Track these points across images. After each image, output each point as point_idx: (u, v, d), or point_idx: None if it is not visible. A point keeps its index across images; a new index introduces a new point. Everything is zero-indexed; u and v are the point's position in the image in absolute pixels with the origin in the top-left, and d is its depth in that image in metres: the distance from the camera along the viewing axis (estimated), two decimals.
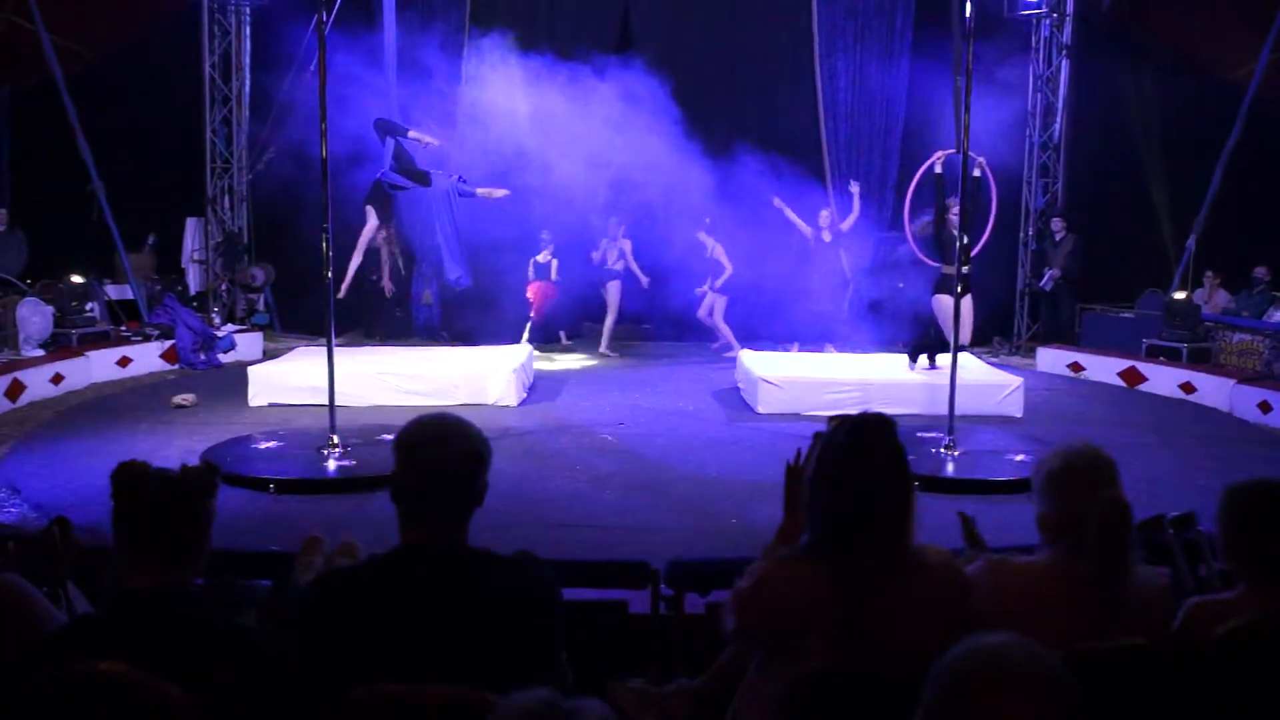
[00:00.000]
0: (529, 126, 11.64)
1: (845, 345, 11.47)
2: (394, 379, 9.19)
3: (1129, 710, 2.12)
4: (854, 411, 2.30)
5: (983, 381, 9.20)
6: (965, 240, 8.64)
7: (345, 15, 10.77)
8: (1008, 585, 2.30)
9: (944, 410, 7.37)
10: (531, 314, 12.25)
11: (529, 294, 12.28)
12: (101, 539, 2.61)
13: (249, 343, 12.07)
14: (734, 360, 10.76)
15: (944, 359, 9.39)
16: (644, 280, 12.41)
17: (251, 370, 9.37)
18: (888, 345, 11.14)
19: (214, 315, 12.70)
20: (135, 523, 2.09)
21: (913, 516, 2.20)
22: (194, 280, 13.27)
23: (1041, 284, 12.82)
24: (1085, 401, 10.17)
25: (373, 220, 10.31)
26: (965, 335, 7.56)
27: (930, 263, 9.38)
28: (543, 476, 7.02)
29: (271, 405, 9.02)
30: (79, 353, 10.31)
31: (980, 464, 7.21)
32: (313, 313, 11.27)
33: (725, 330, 12.35)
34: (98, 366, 10.37)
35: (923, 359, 9.68)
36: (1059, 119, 13.21)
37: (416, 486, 2.19)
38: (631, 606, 3.30)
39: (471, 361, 9.82)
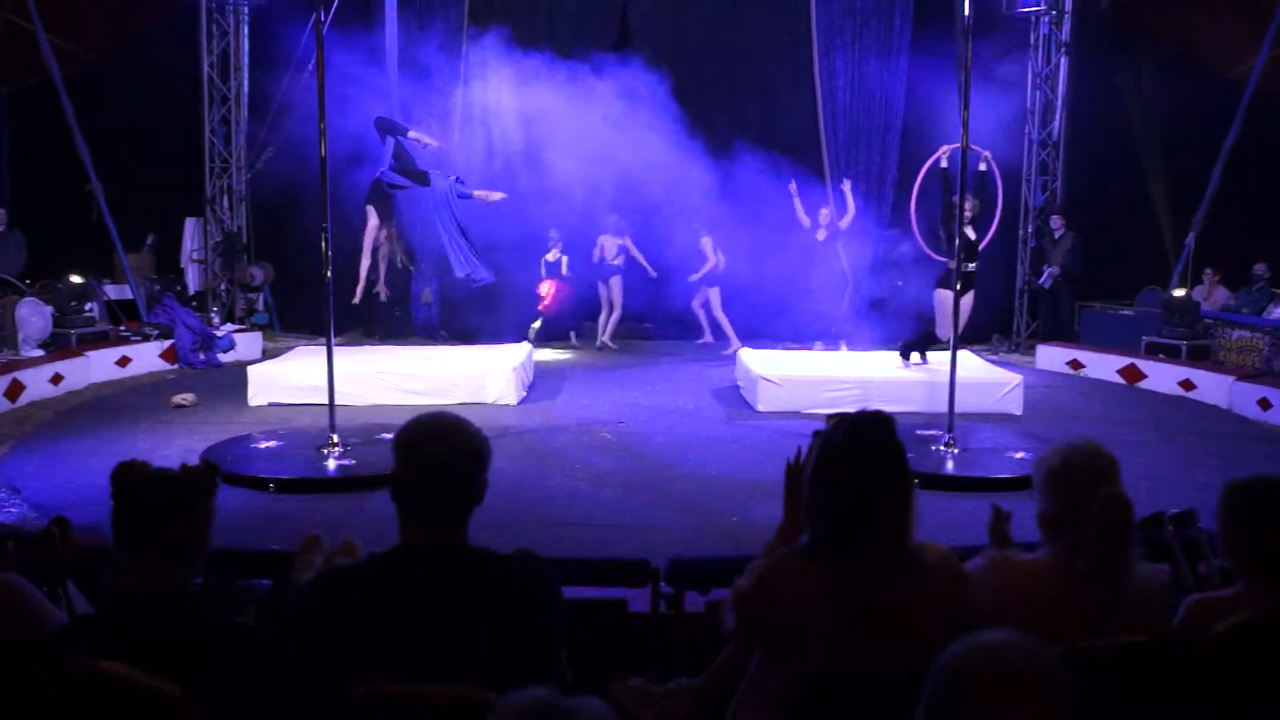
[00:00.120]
0: (528, 125, 11.67)
1: (847, 344, 11.52)
2: (393, 378, 9.19)
3: (1129, 708, 2.12)
4: (853, 409, 2.30)
5: (982, 379, 9.20)
6: (974, 236, 8.66)
7: (344, 14, 10.76)
8: (1008, 583, 2.30)
9: (944, 408, 7.37)
10: (541, 307, 12.30)
11: (541, 290, 12.33)
12: (101, 539, 2.62)
13: (248, 342, 12.07)
14: (732, 357, 10.80)
15: (934, 354, 9.43)
16: (652, 272, 12.47)
17: (251, 370, 9.37)
18: (889, 343, 11.16)
19: (213, 315, 12.70)
20: (135, 522, 2.09)
21: (912, 514, 2.20)
22: (193, 280, 13.26)
23: (1041, 281, 12.81)
24: (1085, 399, 10.17)
25: (374, 220, 10.31)
26: (958, 328, 7.59)
27: (937, 258, 9.41)
28: (542, 475, 7.02)
29: (271, 405, 9.02)
30: (78, 353, 10.31)
31: (980, 462, 7.21)
32: (312, 312, 11.27)
33: (724, 323, 12.42)
34: (97, 366, 10.37)
35: (914, 355, 9.69)
36: (1058, 116, 13.21)
37: (416, 485, 2.19)
38: (631, 605, 3.30)
39: (471, 360, 9.82)
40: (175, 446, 7.53)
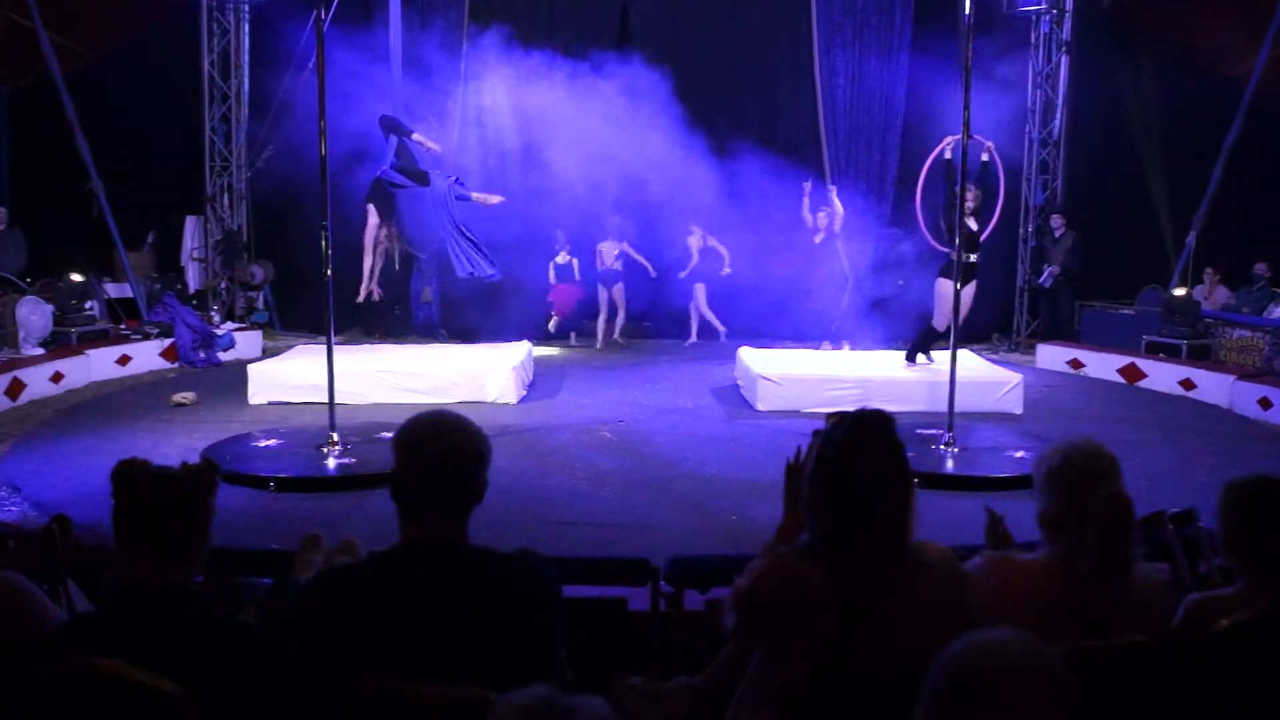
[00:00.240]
0: (527, 124, 11.66)
1: (849, 344, 11.55)
2: (393, 377, 9.20)
3: (1129, 706, 2.12)
4: (853, 408, 2.29)
5: (982, 378, 9.20)
6: (975, 228, 8.67)
7: (344, 13, 10.74)
8: (1008, 583, 2.29)
9: (944, 407, 7.37)
10: (553, 313, 12.36)
11: (553, 297, 12.35)
12: (101, 537, 2.62)
13: (248, 341, 12.07)
14: (728, 347, 10.86)
15: (936, 352, 9.45)
16: (652, 272, 12.52)
17: (251, 368, 9.38)
18: (890, 343, 11.17)
19: (213, 313, 12.69)
20: (135, 520, 2.09)
21: (912, 514, 2.19)
22: (193, 278, 13.26)
23: (1041, 281, 12.81)
24: (1085, 398, 10.17)
25: (374, 218, 10.30)
26: (959, 320, 7.62)
27: (941, 248, 9.43)
28: (542, 474, 7.02)
29: (271, 403, 9.02)
30: (79, 351, 10.31)
31: (980, 461, 7.21)
32: (312, 311, 11.27)
33: (710, 316, 12.53)
34: (97, 365, 10.37)
35: (920, 356, 9.70)
36: (1059, 115, 13.21)
37: (416, 484, 2.19)
38: (631, 604, 3.30)
39: (471, 359, 9.82)
40: (175, 445, 7.53)
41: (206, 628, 2.03)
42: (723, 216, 11.64)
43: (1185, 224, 11.71)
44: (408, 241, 12.67)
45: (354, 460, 6.93)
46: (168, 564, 2.08)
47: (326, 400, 7.14)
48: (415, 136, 9.31)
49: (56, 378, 9.73)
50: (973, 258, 8.81)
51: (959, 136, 7.15)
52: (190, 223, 13.36)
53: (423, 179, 9.38)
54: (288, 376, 9.18)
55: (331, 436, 7.05)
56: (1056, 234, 12.68)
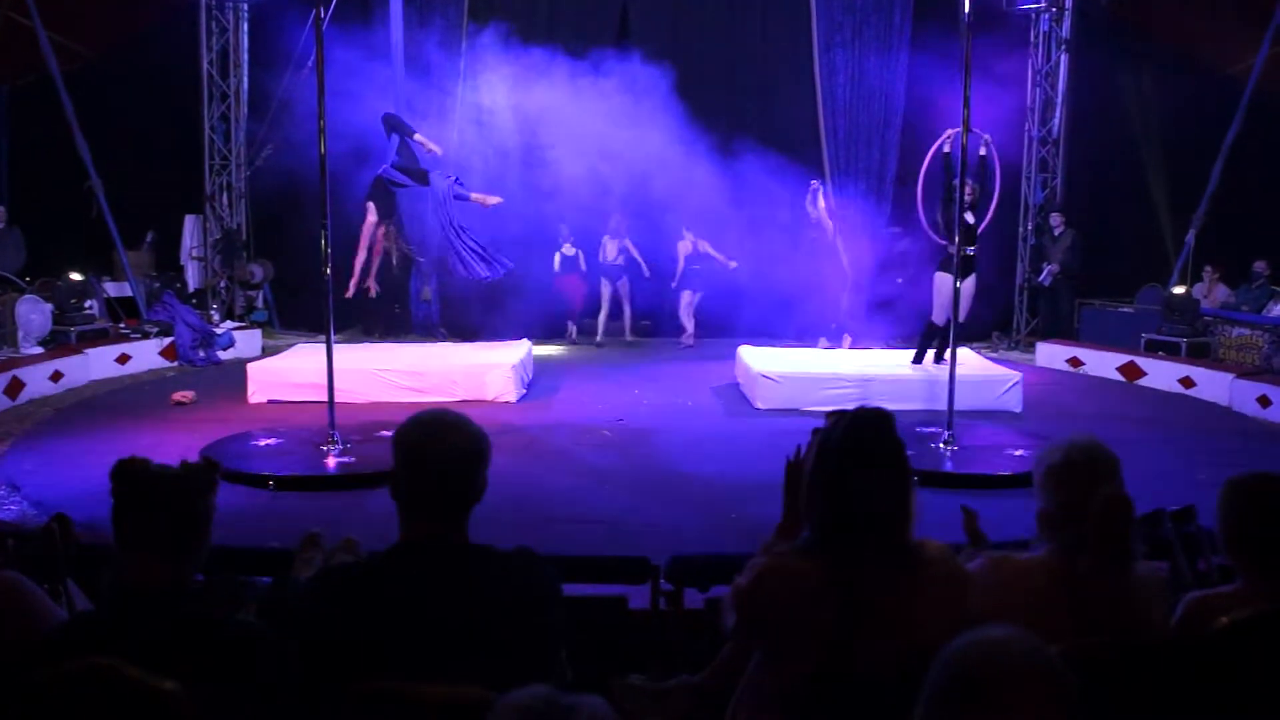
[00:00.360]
0: (526, 122, 11.66)
1: (850, 338, 11.56)
2: (393, 375, 9.19)
3: (1129, 705, 2.12)
4: (853, 407, 2.29)
5: (982, 376, 9.20)
6: (973, 220, 8.68)
7: (344, 11, 10.75)
8: (1008, 582, 2.29)
9: (943, 405, 7.38)
10: (574, 307, 12.60)
11: (559, 287, 12.40)
12: (101, 536, 2.62)
13: (248, 340, 12.07)
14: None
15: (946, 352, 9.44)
16: (646, 271, 12.57)
17: (250, 367, 9.37)
18: (892, 341, 11.16)
19: (213, 312, 12.69)
20: (135, 519, 2.09)
21: (912, 512, 2.19)
22: (193, 277, 13.26)
23: (1040, 279, 12.81)
24: (1084, 396, 10.17)
25: (372, 216, 10.28)
26: (961, 315, 7.63)
27: (940, 240, 9.44)
28: (542, 472, 7.02)
29: (271, 402, 9.02)
30: (78, 350, 10.31)
31: (979, 459, 7.21)
32: (311, 309, 11.26)
33: (683, 317, 12.66)
34: (97, 364, 10.36)
35: (929, 355, 9.68)
36: (1058, 114, 13.21)
37: (416, 483, 2.19)
38: (631, 602, 3.30)
39: (470, 357, 9.82)
40: (175, 444, 7.51)
41: (206, 627, 2.03)
42: (721, 215, 11.63)
43: (1184, 222, 11.71)
44: (406, 242, 12.67)
45: (354, 459, 6.93)
46: (168, 563, 2.08)
47: (326, 399, 7.14)
48: (417, 137, 9.31)
49: (56, 377, 9.73)
50: (970, 250, 8.85)
51: (959, 129, 7.17)
52: (189, 221, 13.36)
53: (423, 178, 9.38)
54: (287, 375, 9.19)
55: (331, 435, 7.05)
56: (1056, 232, 12.68)
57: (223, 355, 11.45)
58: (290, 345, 11.19)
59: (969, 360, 9.49)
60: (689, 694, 2.52)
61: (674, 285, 12.57)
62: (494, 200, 9.71)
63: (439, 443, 2.18)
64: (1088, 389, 10.56)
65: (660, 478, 7.00)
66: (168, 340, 11.17)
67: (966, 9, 7.15)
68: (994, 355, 11.80)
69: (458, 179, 9.67)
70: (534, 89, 11.10)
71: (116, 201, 11.33)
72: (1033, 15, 13.07)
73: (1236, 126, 10.84)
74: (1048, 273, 12.66)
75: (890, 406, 2.33)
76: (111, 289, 12.02)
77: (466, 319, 12.51)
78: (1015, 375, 9.31)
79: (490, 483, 2.26)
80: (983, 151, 9.38)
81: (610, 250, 12.50)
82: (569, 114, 10.64)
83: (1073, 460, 2.33)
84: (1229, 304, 11.68)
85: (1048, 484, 2.36)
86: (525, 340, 10.95)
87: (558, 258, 12.51)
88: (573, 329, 12.97)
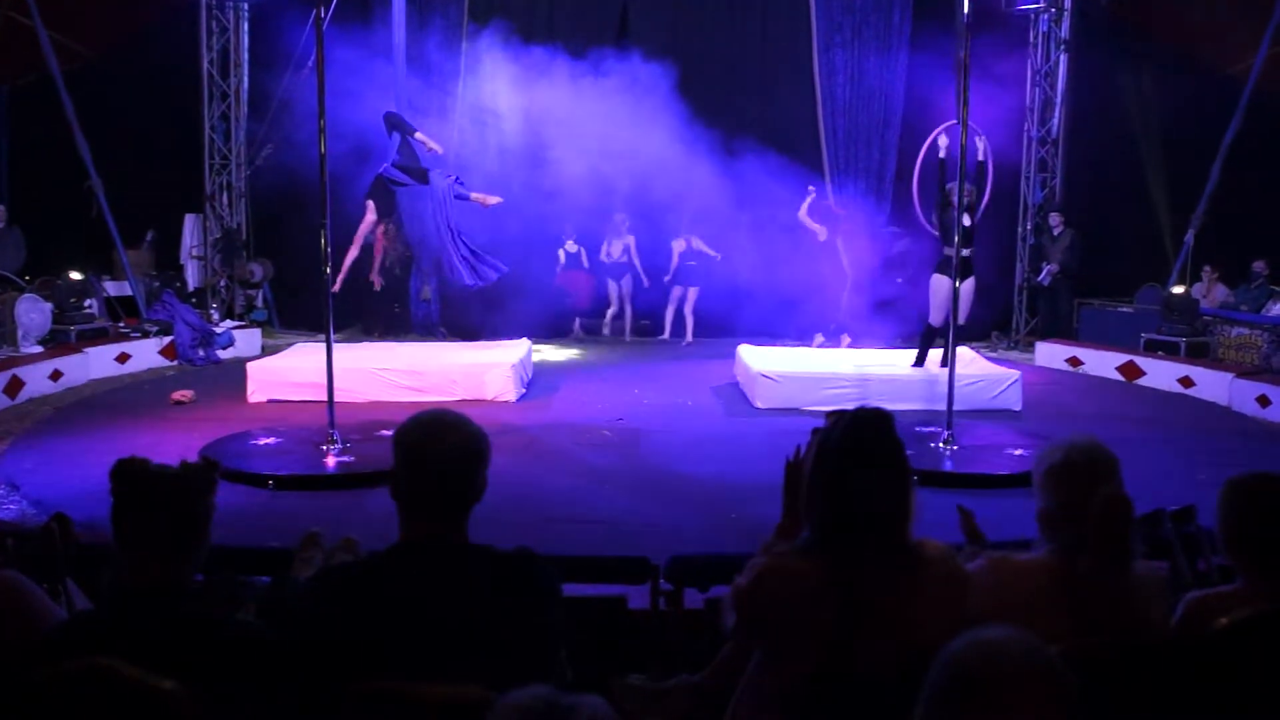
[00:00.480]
0: (527, 121, 11.66)
1: (849, 337, 11.57)
2: (393, 375, 9.19)
3: (1128, 706, 2.12)
4: (852, 406, 2.29)
5: (981, 376, 9.20)
6: (968, 221, 8.68)
7: (344, 11, 10.75)
8: (1008, 583, 2.29)
9: (943, 405, 7.38)
10: (579, 304, 12.62)
11: (569, 285, 12.42)
12: (101, 535, 2.61)
13: (247, 339, 12.07)
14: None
15: (936, 351, 9.44)
16: (645, 281, 12.63)
17: (250, 366, 9.37)
18: (891, 341, 11.16)
19: (212, 311, 12.69)
20: (135, 519, 2.09)
21: (911, 512, 2.19)
22: (192, 276, 13.26)
23: (1040, 279, 12.81)
24: (1084, 396, 10.17)
25: (371, 215, 10.28)
26: (960, 317, 7.63)
27: (936, 234, 9.44)
28: (542, 472, 7.02)
29: (270, 401, 9.02)
30: (78, 349, 10.30)
31: (979, 459, 7.21)
32: (311, 309, 11.27)
33: (669, 316, 12.77)
34: (96, 363, 10.36)
35: (933, 356, 9.65)
36: (1057, 114, 13.21)
37: (416, 483, 2.19)
38: (631, 602, 3.30)
39: (470, 357, 9.82)
40: (175, 443, 7.51)
41: (206, 627, 2.03)
42: (720, 214, 11.64)
43: (1184, 222, 11.71)
44: (406, 242, 12.68)
45: (353, 458, 6.93)
46: (167, 562, 2.08)
47: (326, 398, 7.14)
48: (418, 135, 9.31)
49: (55, 376, 9.73)
50: (966, 252, 8.82)
51: (952, 123, 7.16)
52: (189, 221, 13.36)
53: (423, 177, 9.37)
54: (287, 375, 9.18)
55: (331, 435, 7.05)
56: (1055, 232, 12.68)
57: (222, 354, 11.45)
58: (290, 344, 11.18)
59: (968, 360, 9.49)
60: (689, 694, 2.52)
61: (667, 280, 12.62)
62: (494, 200, 9.71)
63: (439, 443, 2.18)
64: (1087, 389, 10.56)
65: (660, 478, 7.00)
66: (167, 339, 11.16)
67: (965, 9, 7.15)
68: (993, 355, 11.81)
69: (458, 178, 9.67)
70: (534, 88, 11.10)
71: (116, 201, 11.33)
72: (1032, 15, 13.06)
73: (1236, 126, 10.84)
74: (1047, 272, 12.66)
75: (889, 406, 2.33)
76: (111, 288, 12.02)
77: (466, 318, 12.51)
78: (1014, 375, 9.31)
79: (490, 483, 2.26)
80: (980, 159, 9.35)
81: (615, 248, 12.53)
82: (569, 113, 10.64)
83: (1072, 460, 2.33)
84: (1228, 304, 11.68)
85: (1047, 484, 2.36)
86: (525, 340, 10.96)
87: (561, 254, 12.54)
88: (576, 323, 13.03)
